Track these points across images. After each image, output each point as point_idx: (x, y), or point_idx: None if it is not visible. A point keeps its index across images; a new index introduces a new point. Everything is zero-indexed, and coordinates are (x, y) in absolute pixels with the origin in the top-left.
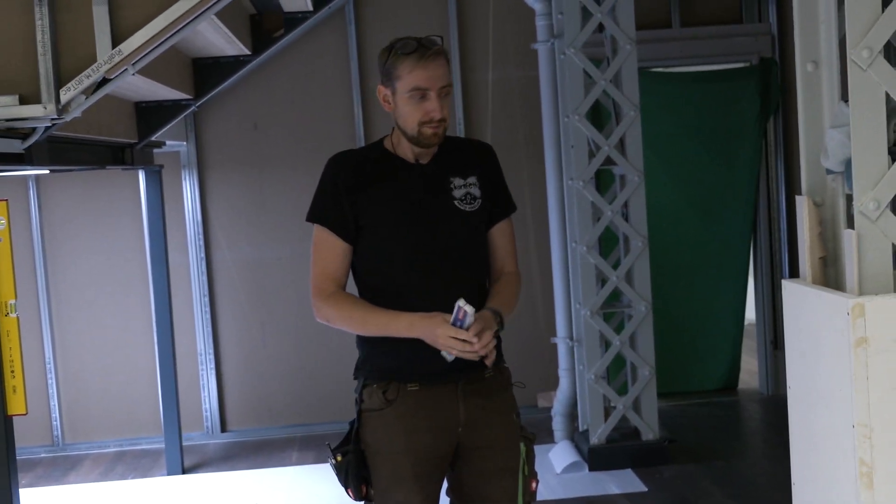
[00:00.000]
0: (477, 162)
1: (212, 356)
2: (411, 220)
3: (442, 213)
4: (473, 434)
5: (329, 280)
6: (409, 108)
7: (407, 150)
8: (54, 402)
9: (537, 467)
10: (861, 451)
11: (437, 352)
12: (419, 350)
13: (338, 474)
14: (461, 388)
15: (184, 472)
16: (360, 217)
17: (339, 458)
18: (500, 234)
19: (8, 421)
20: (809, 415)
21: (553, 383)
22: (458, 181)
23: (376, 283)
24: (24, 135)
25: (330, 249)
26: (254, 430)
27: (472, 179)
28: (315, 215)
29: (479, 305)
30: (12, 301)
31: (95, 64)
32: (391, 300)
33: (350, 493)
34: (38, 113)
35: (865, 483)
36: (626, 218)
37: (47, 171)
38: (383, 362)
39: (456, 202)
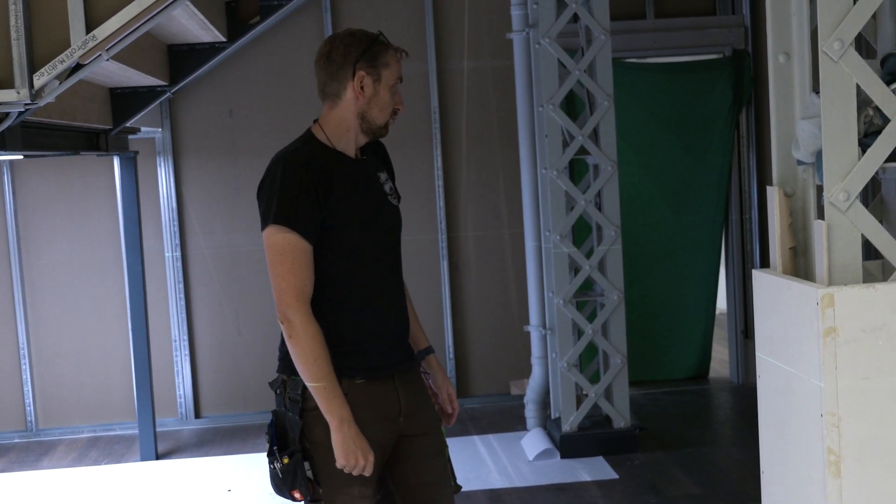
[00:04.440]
0: (383, 157)
1: (186, 342)
2: (371, 219)
3: (385, 209)
4: (412, 422)
5: (305, 296)
6: (389, 98)
7: (349, 145)
8: (28, 388)
9: (511, 456)
10: (829, 440)
11: (378, 346)
12: (362, 344)
13: (283, 478)
14: (397, 380)
15: (157, 457)
16: (328, 218)
17: (286, 461)
18: None
19: None
20: (779, 404)
21: (526, 371)
22: (383, 176)
23: (337, 283)
24: None
25: (302, 256)
26: (228, 417)
27: (385, 175)
28: (285, 218)
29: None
30: None
31: (69, 49)
32: (351, 300)
33: (297, 496)
34: (12, 98)
35: (833, 471)
36: (599, 207)
37: (21, 157)
38: (332, 360)
39: (389, 198)
